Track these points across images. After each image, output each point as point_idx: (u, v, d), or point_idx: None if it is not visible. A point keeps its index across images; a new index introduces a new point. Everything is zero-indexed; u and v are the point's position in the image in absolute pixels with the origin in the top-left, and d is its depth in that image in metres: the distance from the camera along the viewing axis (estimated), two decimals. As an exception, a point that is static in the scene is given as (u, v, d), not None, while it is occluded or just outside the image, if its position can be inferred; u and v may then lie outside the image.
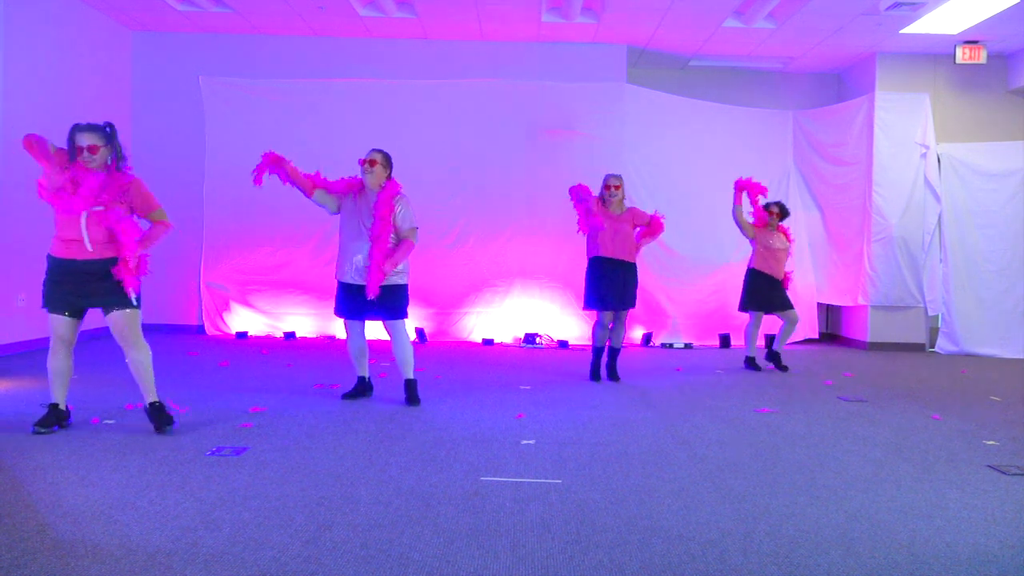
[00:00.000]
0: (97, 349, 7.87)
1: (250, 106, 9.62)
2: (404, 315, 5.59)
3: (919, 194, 9.64)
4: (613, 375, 6.88)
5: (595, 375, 6.88)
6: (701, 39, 9.50)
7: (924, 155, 9.62)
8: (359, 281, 5.47)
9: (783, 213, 7.73)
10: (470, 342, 9.54)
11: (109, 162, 4.49)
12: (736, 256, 9.25)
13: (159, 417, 4.58)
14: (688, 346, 9.59)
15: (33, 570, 2.64)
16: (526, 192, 9.62)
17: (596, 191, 6.88)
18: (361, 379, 5.78)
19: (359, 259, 5.46)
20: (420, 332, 9.44)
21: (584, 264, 6.89)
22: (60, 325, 4.50)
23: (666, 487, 3.73)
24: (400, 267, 5.50)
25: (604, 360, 6.97)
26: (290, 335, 9.50)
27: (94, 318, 5.25)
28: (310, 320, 9.65)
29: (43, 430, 4.47)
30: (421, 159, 9.22)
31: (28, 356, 7.38)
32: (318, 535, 3.01)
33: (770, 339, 8.28)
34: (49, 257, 4.50)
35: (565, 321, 9.56)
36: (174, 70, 9.76)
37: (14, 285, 7.59)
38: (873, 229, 9.63)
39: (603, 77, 9.75)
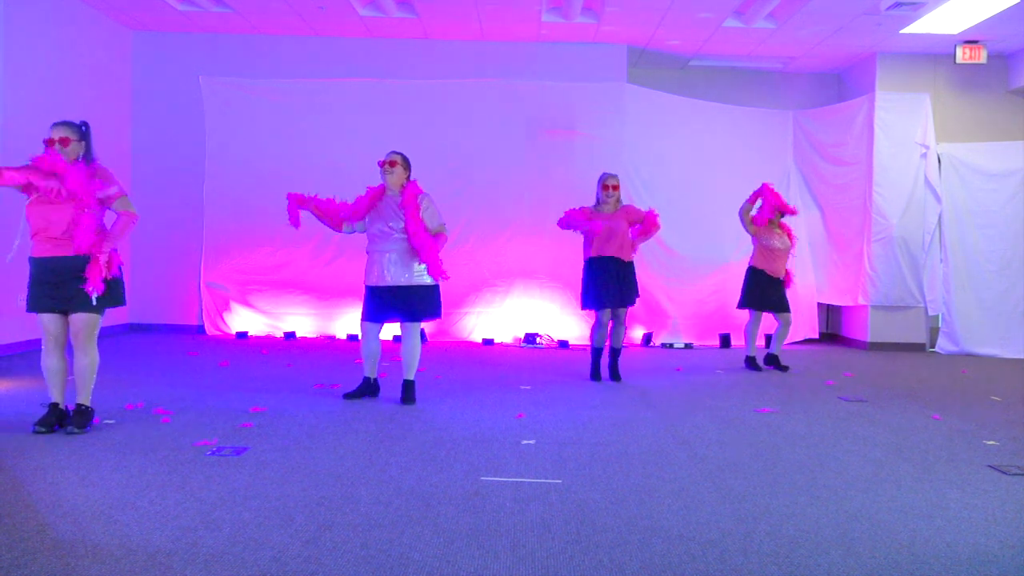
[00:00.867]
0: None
1: (250, 106, 9.61)
2: (424, 318, 5.68)
3: (919, 194, 9.64)
4: (615, 375, 6.88)
5: (595, 375, 6.88)
6: (701, 39, 9.50)
7: (924, 155, 9.62)
8: (388, 283, 5.51)
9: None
10: (470, 342, 9.54)
11: (79, 158, 4.53)
12: (736, 256, 9.25)
13: (79, 417, 4.54)
14: (688, 346, 9.59)
15: (33, 570, 2.64)
16: (526, 192, 9.61)
17: (593, 191, 6.89)
18: (367, 380, 5.79)
19: (387, 261, 5.49)
20: (420, 332, 9.41)
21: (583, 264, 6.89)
22: (50, 323, 4.52)
23: (666, 487, 3.73)
24: (422, 267, 5.53)
25: (605, 360, 6.97)
26: (290, 335, 9.49)
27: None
28: (310, 320, 9.65)
29: (43, 430, 4.46)
30: (421, 159, 9.10)
31: (28, 356, 7.38)
32: (318, 535, 3.01)
33: (770, 339, 8.27)
34: (32, 259, 4.52)
35: (565, 321, 9.55)
36: (174, 70, 9.75)
37: (14, 285, 7.58)
38: (873, 229, 9.62)
39: (603, 77, 9.74)
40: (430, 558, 2.82)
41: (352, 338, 9.21)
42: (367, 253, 5.66)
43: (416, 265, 5.53)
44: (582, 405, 5.74)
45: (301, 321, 9.64)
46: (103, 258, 4.46)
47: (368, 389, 5.79)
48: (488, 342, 9.47)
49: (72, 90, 8.58)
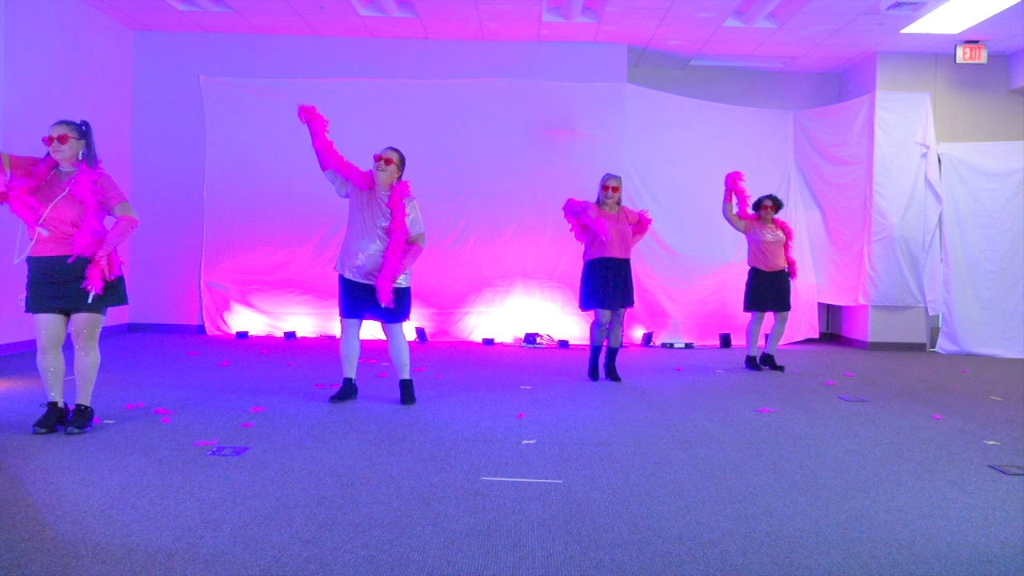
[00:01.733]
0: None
1: (250, 106, 9.61)
2: (404, 318, 5.59)
3: (920, 194, 9.64)
4: (613, 375, 6.87)
5: (593, 374, 6.88)
6: (702, 39, 9.50)
7: (925, 155, 9.62)
8: (361, 279, 5.46)
9: (777, 205, 7.71)
10: (471, 342, 9.54)
11: (80, 158, 4.53)
12: (736, 256, 9.25)
13: (79, 417, 4.55)
14: (688, 346, 9.59)
15: (33, 570, 2.64)
16: (527, 192, 9.61)
17: (594, 191, 6.89)
18: (347, 381, 5.70)
19: (361, 258, 5.44)
20: (420, 332, 9.44)
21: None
22: (50, 324, 4.50)
23: (666, 487, 3.73)
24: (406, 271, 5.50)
25: (603, 360, 6.97)
26: (290, 335, 9.50)
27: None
28: (310, 320, 9.65)
29: (43, 430, 4.46)
30: (421, 159, 9.18)
31: (28, 356, 7.37)
32: (318, 535, 3.01)
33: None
34: (30, 259, 4.51)
35: (565, 321, 9.56)
36: (175, 70, 9.76)
37: (14, 285, 7.58)
38: (874, 229, 9.62)
39: (604, 77, 9.74)
40: (431, 558, 2.82)
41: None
42: (345, 237, 5.61)
43: None
44: (582, 405, 5.74)
45: (301, 321, 9.65)
46: (103, 261, 4.46)
47: (349, 390, 5.69)
48: (488, 342, 9.47)
49: (72, 89, 8.58)
